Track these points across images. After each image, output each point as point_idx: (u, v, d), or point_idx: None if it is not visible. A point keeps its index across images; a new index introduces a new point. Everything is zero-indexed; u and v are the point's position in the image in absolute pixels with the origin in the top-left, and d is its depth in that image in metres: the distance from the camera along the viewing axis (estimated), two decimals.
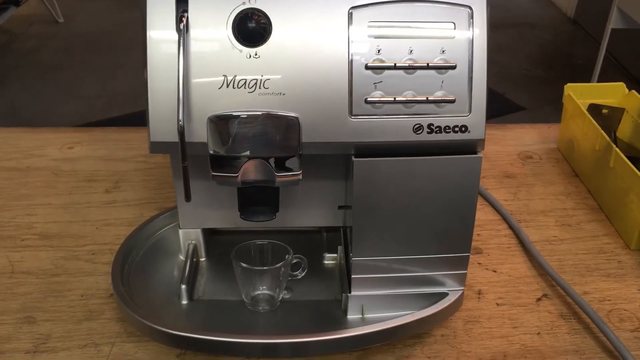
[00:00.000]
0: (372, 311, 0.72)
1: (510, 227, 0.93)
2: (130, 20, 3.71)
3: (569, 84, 1.07)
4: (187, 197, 0.63)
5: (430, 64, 0.61)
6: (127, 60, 3.22)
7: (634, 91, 1.04)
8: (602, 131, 0.95)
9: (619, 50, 3.18)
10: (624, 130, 1.03)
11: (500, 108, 3.00)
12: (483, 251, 0.89)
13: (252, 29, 0.60)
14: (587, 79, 2.96)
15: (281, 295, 0.75)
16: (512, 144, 1.13)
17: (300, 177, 0.65)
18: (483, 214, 0.96)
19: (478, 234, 0.91)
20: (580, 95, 1.05)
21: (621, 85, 1.07)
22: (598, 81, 2.87)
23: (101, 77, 3.21)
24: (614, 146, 0.91)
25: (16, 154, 1.08)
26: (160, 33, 0.60)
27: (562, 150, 1.10)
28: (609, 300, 0.81)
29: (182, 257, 0.80)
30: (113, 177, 1.02)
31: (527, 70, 3.39)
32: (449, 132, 0.63)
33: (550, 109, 2.94)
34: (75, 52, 3.54)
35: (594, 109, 1.03)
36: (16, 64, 3.41)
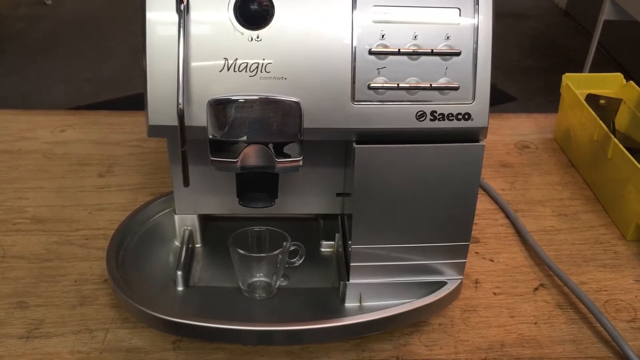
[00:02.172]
0: (370, 299, 0.72)
1: (507, 216, 0.93)
2: (119, 3, 3.66)
3: (567, 74, 1.06)
4: (186, 182, 0.62)
5: (434, 50, 0.60)
6: (116, 44, 3.18)
7: (631, 82, 1.03)
8: (600, 122, 0.94)
9: (610, 42, 3.18)
10: (621, 121, 1.03)
11: (491, 98, 3.00)
12: (480, 240, 0.89)
13: (254, 11, 0.59)
14: (579, 71, 2.96)
15: (278, 283, 0.74)
16: (509, 133, 1.13)
17: (301, 163, 0.64)
18: (480, 203, 0.95)
19: (475, 223, 0.90)
20: (577, 85, 1.05)
21: (619, 76, 1.07)
22: (590, 73, 2.87)
23: (90, 61, 3.17)
24: (613, 137, 0.91)
25: (7, 136, 1.06)
26: (159, 14, 0.59)
27: (559, 140, 1.10)
28: (606, 290, 0.81)
29: (177, 243, 0.79)
30: (106, 161, 1.01)
31: (518, 61, 3.38)
32: (452, 119, 0.62)
33: (541, 99, 2.94)
34: (64, 34, 3.49)
35: (592, 99, 1.03)
36: (3, 46, 3.36)
